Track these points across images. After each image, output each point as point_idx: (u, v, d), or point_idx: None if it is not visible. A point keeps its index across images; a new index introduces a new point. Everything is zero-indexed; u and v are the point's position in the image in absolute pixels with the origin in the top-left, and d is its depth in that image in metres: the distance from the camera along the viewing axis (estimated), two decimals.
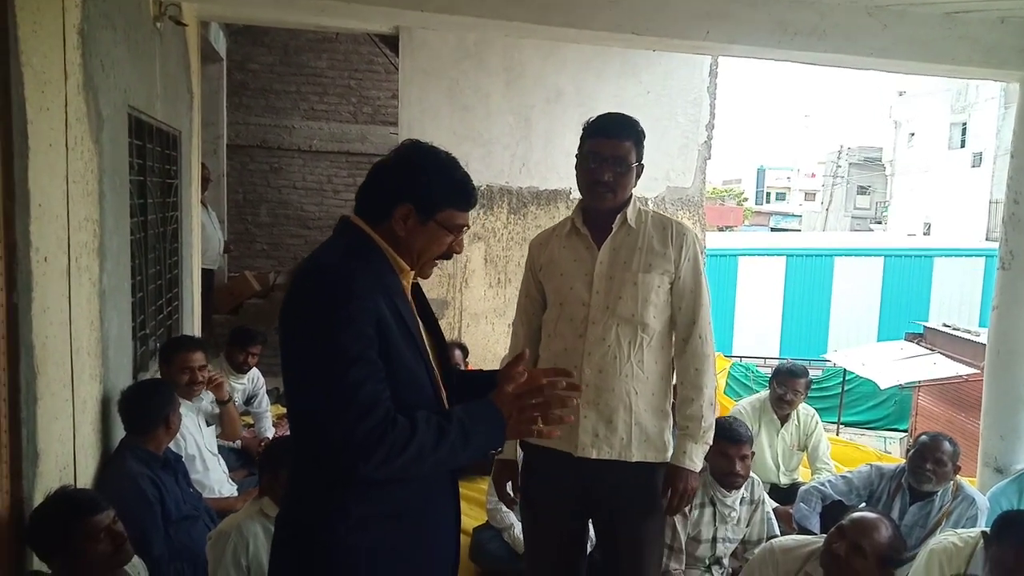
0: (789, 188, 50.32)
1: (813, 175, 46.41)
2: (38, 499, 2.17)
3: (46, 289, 2.24)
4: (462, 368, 4.41)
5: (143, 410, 2.89)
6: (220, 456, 3.68)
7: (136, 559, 2.35)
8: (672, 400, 2.36)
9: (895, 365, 9.43)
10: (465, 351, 4.72)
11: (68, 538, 2.09)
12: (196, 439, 3.48)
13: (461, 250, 1.70)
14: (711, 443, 2.35)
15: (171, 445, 3.08)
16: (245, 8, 4.04)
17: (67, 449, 2.52)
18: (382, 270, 1.57)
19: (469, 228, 1.72)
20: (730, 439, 2.96)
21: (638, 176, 2.30)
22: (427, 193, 1.58)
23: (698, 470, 2.29)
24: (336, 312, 1.44)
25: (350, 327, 1.43)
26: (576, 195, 2.37)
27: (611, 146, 2.21)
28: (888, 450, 8.93)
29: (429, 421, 1.46)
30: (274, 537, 1.66)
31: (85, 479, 2.71)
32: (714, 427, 2.34)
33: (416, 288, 1.71)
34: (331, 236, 1.63)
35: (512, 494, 2.43)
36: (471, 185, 1.65)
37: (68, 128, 2.41)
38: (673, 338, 2.35)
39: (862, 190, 35.98)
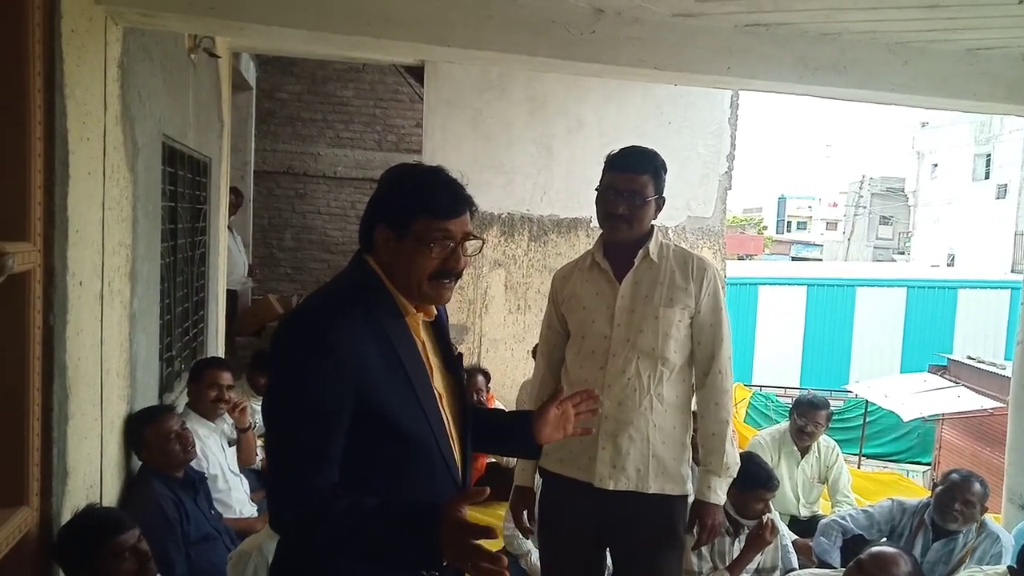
0: (810, 217, 50.07)
1: (835, 204, 46.13)
2: (66, 516, 2.22)
3: (80, 312, 2.31)
4: (484, 393, 4.44)
5: (131, 434, 2.94)
6: (242, 476, 3.73)
7: None
8: (691, 433, 2.37)
9: (918, 397, 9.30)
10: (488, 376, 4.75)
11: (94, 556, 2.13)
12: (219, 459, 3.52)
13: (459, 266, 1.49)
14: (735, 476, 2.36)
15: (194, 464, 3.13)
16: (277, 40, 4.15)
17: (94, 468, 2.57)
18: (383, 313, 1.46)
19: (465, 239, 1.50)
20: (771, 488, 3.03)
21: (659, 209, 2.32)
22: (397, 207, 1.46)
23: (722, 503, 2.31)
24: (307, 366, 1.36)
25: (317, 384, 1.36)
26: (596, 224, 2.41)
27: (626, 180, 2.24)
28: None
29: (348, 514, 1.34)
30: (270, 567, 1.62)
31: (110, 498, 2.75)
32: (737, 460, 2.35)
33: (438, 324, 1.63)
34: (343, 269, 1.56)
35: (528, 524, 2.45)
36: (447, 189, 1.48)
37: (106, 157, 2.50)
38: (693, 372, 2.36)
39: (884, 220, 35.72)
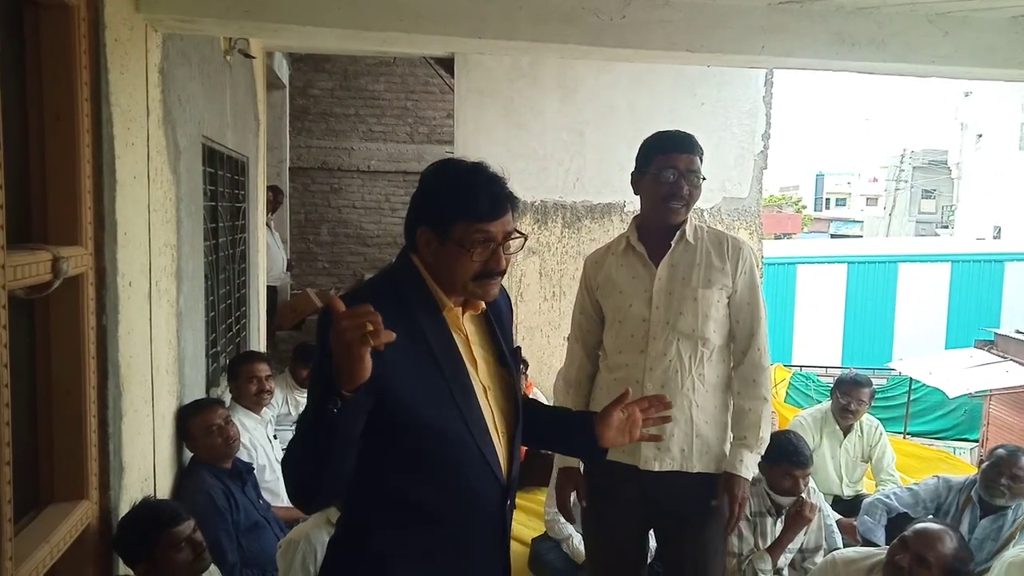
0: (850, 193, 49.06)
1: (875, 179, 45.09)
2: (124, 509, 2.30)
3: (131, 312, 2.39)
4: (524, 381, 4.47)
5: (178, 426, 3.03)
6: None
7: (211, 566, 2.47)
8: (730, 411, 2.38)
9: (964, 373, 9.10)
10: (526, 364, 4.78)
11: (152, 546, 2.21)
12: (266, 450, 3.62)
13: (500, 266, 1.49)
14: (763, 453, 2.35)
15: (244, 456, 3.22)
16: (310, 39, 4.20)
17: (148, 462, 2.66)
18: (417, 305, 1.46)
19: (505, 239, 1.49)
20: (799, 464, 2.97)
21: None
22: (437, 210, 1.45)
23: (751, 477, 2.30)
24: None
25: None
26: (630, 208, 2.42)
27: (687, 160, 2.23)
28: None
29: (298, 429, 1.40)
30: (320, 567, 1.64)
31: (163, 490, 2.85)
32: (769, 438, 2.35)
33: (494, 317, 1.61)
34: (389, 265, 1.57)
35: (578, 501, 2.42)
36: (486, 190, 1.45)
37: (150, 160, 2.57)
38: (731, 350, 2.37)
39: (927, 194, 34.83)
